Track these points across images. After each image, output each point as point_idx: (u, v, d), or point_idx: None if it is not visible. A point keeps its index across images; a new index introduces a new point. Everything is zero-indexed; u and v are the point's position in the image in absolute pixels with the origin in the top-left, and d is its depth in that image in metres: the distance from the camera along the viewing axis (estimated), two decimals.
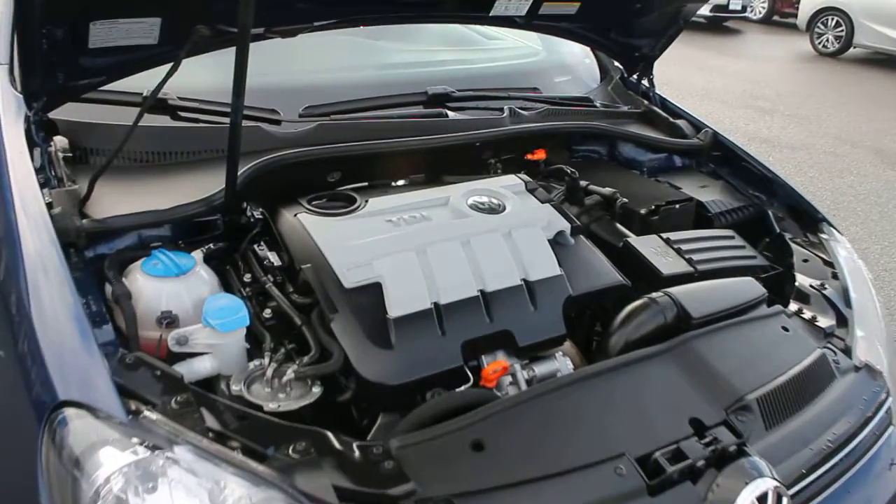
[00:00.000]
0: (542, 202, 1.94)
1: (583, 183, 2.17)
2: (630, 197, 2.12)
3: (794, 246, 2.12)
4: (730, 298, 1.73)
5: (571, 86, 2.73)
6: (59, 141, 1.81)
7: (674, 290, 1.70)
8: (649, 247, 1.92)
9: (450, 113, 2.25)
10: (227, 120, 1.96)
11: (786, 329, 1.72)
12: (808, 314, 1.85)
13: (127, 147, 1.88)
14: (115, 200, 1.75)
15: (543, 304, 1.64)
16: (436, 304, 1.56)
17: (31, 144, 1.75)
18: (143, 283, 1.55)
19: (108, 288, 1.53)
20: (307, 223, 1.73)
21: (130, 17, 1.62)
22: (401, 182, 2.09)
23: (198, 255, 1.66)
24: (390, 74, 2.40)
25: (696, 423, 1.42)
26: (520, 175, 2.05)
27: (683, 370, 1.52)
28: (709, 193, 2.30)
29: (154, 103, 1.94)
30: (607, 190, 2.11)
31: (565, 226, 1.85)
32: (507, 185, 1.98)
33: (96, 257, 1.62)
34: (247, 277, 1.68)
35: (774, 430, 1.47)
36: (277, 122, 2.06)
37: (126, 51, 1.72)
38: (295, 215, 1.76)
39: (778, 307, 1.79)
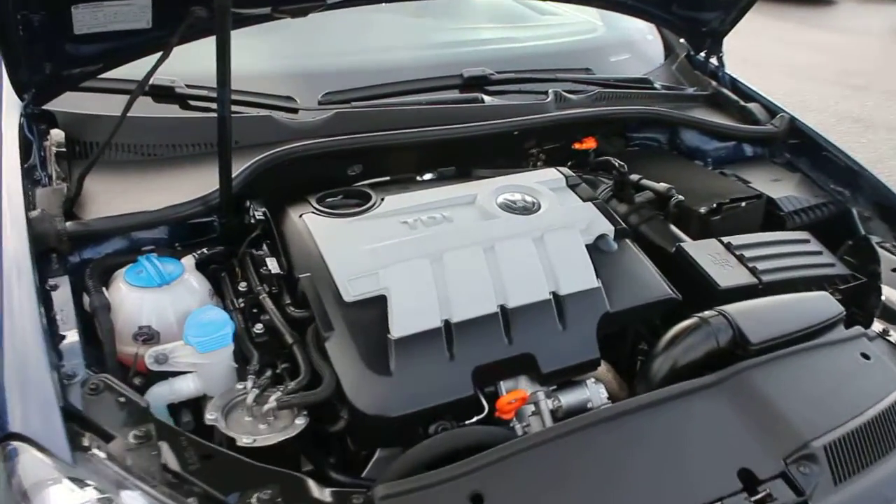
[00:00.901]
0: (585, 200, 1.70)
1: (634, 177, 1.91)
2: (689, 193, 1.86)
3: (881, 251, 1.81)
4: (798, 318, 1.46)
5: (630, 66, 2.45)
6: (55, 135, 1.70)
7: (731, 307, 1.44)
8: (706, 253, 1.66)
9: (487, 98, 2.02)
10: (243, 109, 1.85)
11: (866, 356, 1.44)
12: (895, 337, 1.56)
13: (133, 140, 1.77)
14: (109, 199, 1.63)
15: (574, 323, 1.42)
16: (447, 322, 1.36)
17: (26, 139, 1.64)
18: (125, 294, 1.41)
19: (87, 299, 1.40)
20: (312, 225, 1.55)
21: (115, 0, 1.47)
22: (428, 176, 1.89)
23: (188, 261, 1.51)
24: (425, 56, 2.19)
25: (746, 476, 1.18)
26: (560, 168, 1.82)
27: (736, 408, 1.28)
28: (782, 188, 2.00)
29: (161, 92, 1.83)
30: (661, 185, 1.85)
31: (608, 228, 1.61)
32: (545, 181, 1.75)
33: (82, 263, 1.50)
34: (242, 286, 1.52)
35: (845, 485, 1.21)
36: (293, 111, 1.89)
37: (118, 36, 1.59)
38: (300, 216, 1.59)
39: (858, 329, 1.50)
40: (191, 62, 1.80)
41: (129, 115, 1.76)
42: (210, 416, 1.24)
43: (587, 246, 1.57)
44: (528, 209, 1.64)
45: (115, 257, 1.50)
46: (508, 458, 1.15)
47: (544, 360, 1.36)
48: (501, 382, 1.38)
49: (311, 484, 1.11)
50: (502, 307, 1.41)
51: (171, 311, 1.40)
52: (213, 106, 1.83)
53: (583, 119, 2.03)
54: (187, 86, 1.84)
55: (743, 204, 1.87)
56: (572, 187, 1.76)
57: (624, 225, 1.65)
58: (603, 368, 1.47)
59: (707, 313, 1.43)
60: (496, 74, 2.09)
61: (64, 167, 1.64)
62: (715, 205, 1.84)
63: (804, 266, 1.68)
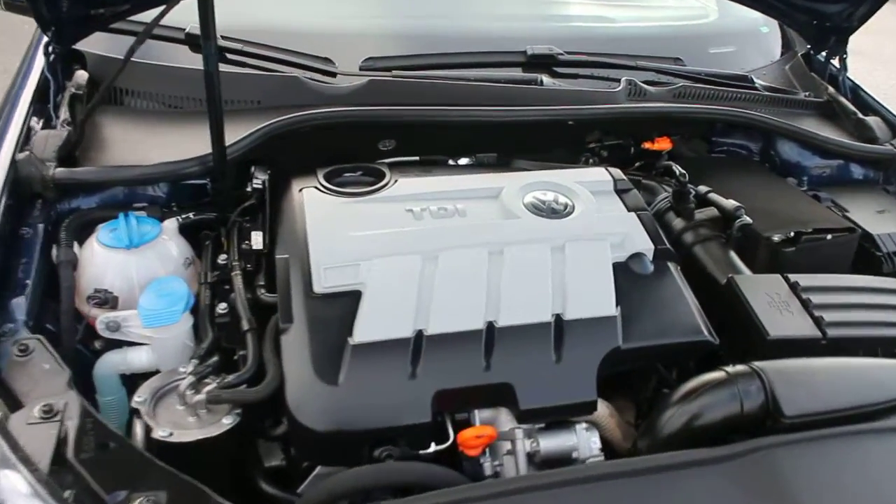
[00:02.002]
0: (630, 209, 1.46)
1: (702, 188, 1.64)
2: (765, 215, 1.56)
3: None
4: (858, 390, 1.16)
5: (734, 60, 2.12)
6: (77, 77, 1.64)
7: (770, 365, 1.16)
8: (763, 291, 1.37)
9: (547, 80, 1.79)
10: (274, 67, 1.73)
11: None
12: None
13: (159, 89, 1.69)
14: (120, 148, 1.55)
15: (572, 355, 1.19)
16: (419, 332, 1.18)
17: (47, 78, 1.59)
18: (94, 252, 1.33)
19: (55, 251, 1.32)
20: (308, 201, 1.41)
21: None
22: (464, 161, 1.69)
23: (170, 224, 1.40)
24: (488, 27, 1.98)
25: None
26: (611, 169, 1.57)
27: (748, 495, 1.02)
28: (888, 223, 1.66)
29: (195, 41, 1.73)
30: (730, 202, 1.56)
31: (647, 246, 1.36)
32: (589, 181, 1.52)
33: (70, 212, 1.43)
34: (221, 258, 1.40)
35: None
36: (331, 74, 1.74)
37: None
38: (300, 190, 1.45)
39: None
40: (237, 14, 1.71)
41: (157, 63, 1.69)
42: (137, 399, 1.13)
43: (617, 264, 1.34)
44: (557, 212, 1.42)
45: (101, 211, 1.42)
46: None
47: (525, 395, 1.15)
48: (477, 412, 1.19)
49: (210, 496, 0.97)
50: (490, 324, 1.20)
51: (136, 276, 1.31)
52: (248, 60, 1.75)
53: (654, 115, 1.76)
54: (223, 37, 1.73)
55: (828, 237, 1.55)
56: (620, 192, 1.51)
57: (667, 245, 1.39)
58: (605, 411, 1.24)
59: (737, 368, 1.16)
60: (565, 55, 1.84)
61: (80, 110, 1.58)
62: (792, 233, 1.53)
63: (891, 324, 1.36)
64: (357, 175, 1.52)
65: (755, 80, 2.00)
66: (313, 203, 1.41)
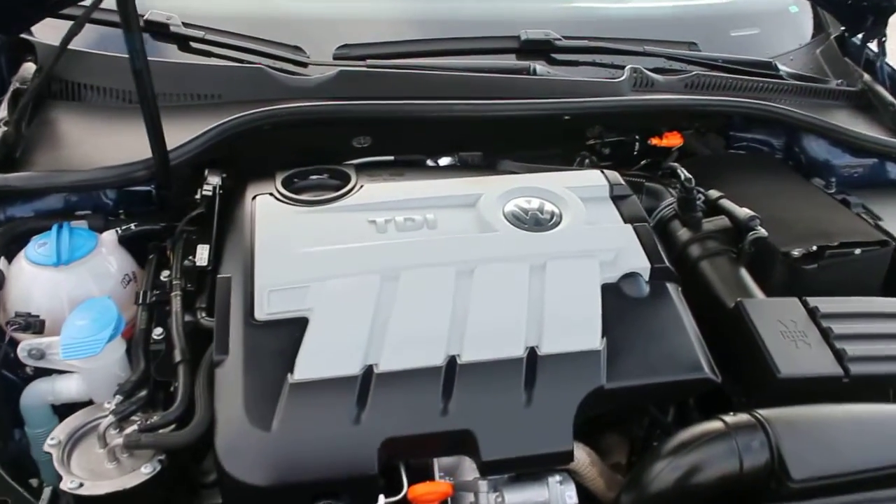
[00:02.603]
0: (627, 219, 1.28)
1: (713, 194, 1.45)
2: (784, 226, 1.38)
3: None
4: (883, 448, 0.99)
5: (758, 43, 1.91)
6: (25, 69, 1.50)
7: (776, 414, 0.99)
8: (777, 318, 1.19)
9: (542, 69, 1.62)
10: (240, 56, 1.59)
11: None
12: None
13: (118, 84, 1.55)
14: (69, 150, 1.42)
15: (545, 397, 1.03)
16: (369, 369, 1.03)
17: None
18: (21, 269, 1.20)
19: None
20: (259, 211, 1.26)
21: None
22: (445, 160, 1.53)
23: (109, 236, 1.27)
24: (481, 9, 1.80)
25: None
26: (609, 172, 1.40)
27: None
28: None
29: (154, 29, 1.59)
30: (743, 211, 1.37)
31: (641, 266, 1.19)
32: (581, 186, 1.35)
33: (2, 223, 1.30)
34: (164, 275, 1.26)
35: None
36: (302, 65, 1.59)
37: None
38: (253, 197, 1.30)
39: None
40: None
41: (116, 55, 1.55)
42: (50, 442, 1.00)
43: (608, 285, 1.17)
44: (541, 223, 1.26)
45: (35, 221, 1.29)
46: None
47: (488, 444, 0.99)
48: (436, 459, 1.04)
49: None
50: (452, 360, 1.05)
51: (66, 296, 1.17)
52: (214, 50, 1.61)
53: (661, 108, 1.58)
54: (184, 24, 1.59)
55: (857, 251, 1.36)
56: (617, 199, 1.34)
57: (667, 263, 1.21)
58: (585, 459, 1.08)
59: (737, 418, 0.99)
60: (563, 40, 1.66)
61: (22, 107, 1.44)
62: (815, 248, 1.34)
63: None
64: (321, 178, 1.37)
65: (780, 66, 1.80)
66: (265, 213, 1.26)
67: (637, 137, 1.63)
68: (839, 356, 1.13)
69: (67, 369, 1.12)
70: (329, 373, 1.02)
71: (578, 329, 1.10)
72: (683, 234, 1.39)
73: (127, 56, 1.44)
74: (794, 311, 1.21)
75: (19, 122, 1.38)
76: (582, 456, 1.07)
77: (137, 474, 0.96)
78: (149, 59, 1.44)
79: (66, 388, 1.13)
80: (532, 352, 1.06)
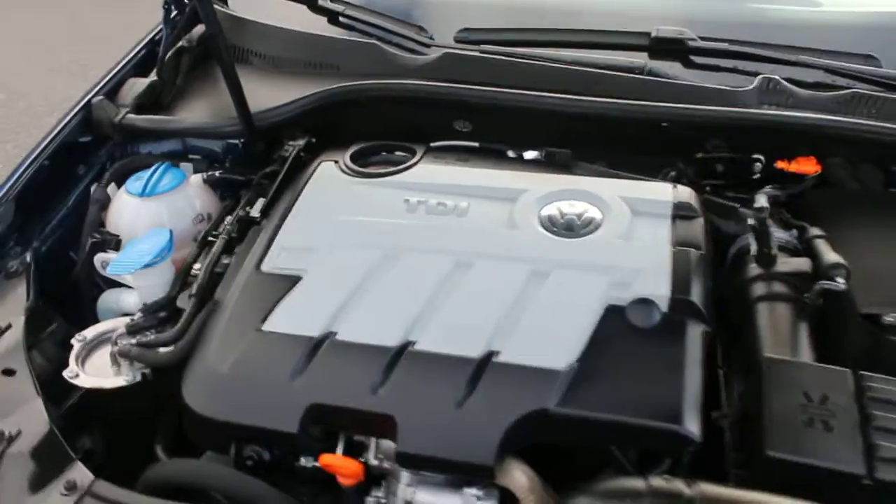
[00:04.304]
0: (677, 242, 1.15)
1: (812, 231, 1.23)
2: (887, 284, 1.13)
3: None
4: None
5: None
6: (195, 31, 1.74)
7: (712, 490, 0.84)
8: (804, 388, 0.98)
9: (662, 70, 1.48)
10: (360, 32, 1.68)
11: None
12: None
13: (263, 49, 1.74)
14: (208, 103, 1.63)
15: (479, 404, 0.98)
16: (327, 335, 1.06)
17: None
18: (119, 195, 1.42)
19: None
20: (317, 175, 1.35)
21: None
22: (530, 154, 1.48)
23: (195, 178, 1.45)
24: (618, 2, 1.68)
25: None
26: (683, 188, 1.26)
27: None
28: None
29: (311, 3, 1.74)
30: (831, 256, 1.15)
31: (660, 293, 1.07)
32: (640, 198, 1.24)
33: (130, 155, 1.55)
34: (228, 219, 1.40)
35: None
36: (423, 44, 1.63)
37: None
38: (321, 162, 1.39)
39: None
40: None
41: (266, 22, 1.74)
42: (77, 337, 1.19)
43: (612, 307, 1.07)
44: (573, 228, 1.19)
45: (149, 158, 1.51)
46: None
47: (407, 435, 0.97)
48: (375, 440, 1.05)
49: None
50: (405, 344, 1.04)
51: (143, 222, 1.37)
52: (358, 26, 1.72)
53: (781, 125, 1.35)
54: (332, 0, 1.72)
55: None
56: (678, 217, 1.20)
57: (693, 297, 1.07)
58: (525, 484, 0.98)
59: (662, 486, 0.86)
60: (699, 41, 1.50)
61: (184, 62, 1.69)
62: None
63: None
64: (388, 155, 1.41)
65: None
66: (320, 178, 1.35)
67: (760, 158, 1.42)
68: (870, 451, 0.91)
69: (127, 284, 1.31)
70: (292, 330, 1.07)
71: (549, 345, 1.02)
72: (753, 269, 1.20)
73: (272, 25, 1.63)
74: (837, 384, 0.99)
75: (173, 75, 1.62)
76: (522, 480, 0.99)
77: (117, 379, 1.11)
78: (294, 28, 1.61)
79: (126, 300, 1.32)
80: (488, 356, 1.02)
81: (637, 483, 0.88)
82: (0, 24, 5.40)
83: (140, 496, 0.93)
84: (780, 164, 1.41)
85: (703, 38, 1.49)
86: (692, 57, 1.52)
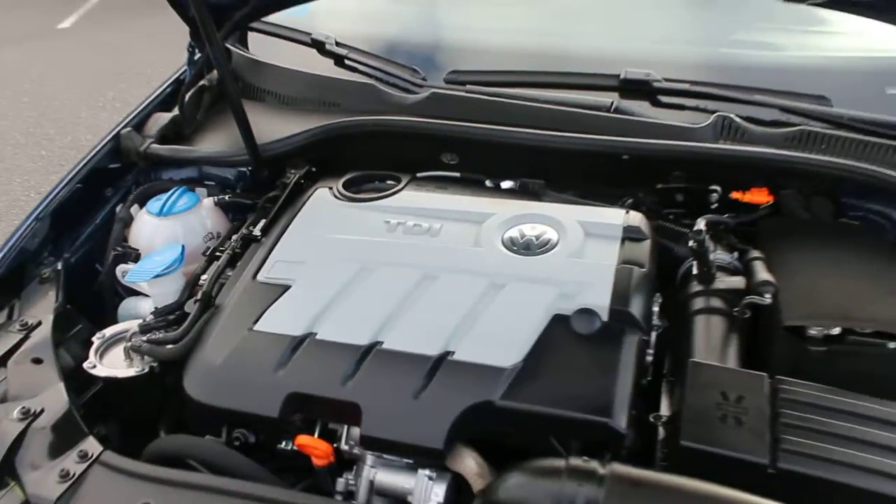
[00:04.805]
0: (623, 260, 1.29)
1: (752, 254, 1.36)
2: (812, 300, 1.25)
3: None
4: None
5: None
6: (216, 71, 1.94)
7: (626, 471, 0.97)
8: (722, 388, 1.10)
9: (627, 107, 1.63)
10: (360, 72, 1.86)
11: None
12: None
13: (276, 88, 1.93)
14: (223, 135, 1.82)
15: (433, 395, 1.12)
16: (308, 335, 1.22)
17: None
18: (141, 214, 1.61)
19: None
20: (313, 199, 1.53)
21: None
22: (507, 184, 1.63)
23: (207, 201, 1.63)
24: (593, 47, 1.84)
25: None
26: (633, 214, 1.40)
27: None
28: None
29: (317, 46, 1.93)
30: (762, 275, 1.28)
31: (601, 304, 1.21)
32: (594, 222, 1.38)
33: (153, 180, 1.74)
34: (234, 237, 1.57)
35: None
36: (416, 84, 1.81)
37: None
38: (316, 188, 1.57)
39: None
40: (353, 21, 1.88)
41: (277, 64, 1.93)
42: (97, 336, 1.36)
43: (558, 316, 1.21)
44: (530, 248, 1.34)
45: (167, 183, 1.70)
46: (203, 491, 1.03)
47: (370, 421, 1.12)
48: (346, 428, 1.19)
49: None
50: (374, 344, 1.19)
51: (160, 239, 1.55)
52: (360, 68, 1.91)
53: (738, 159, 1.49)
54: (337, 44, 1.91)
55: (892, 344, 1.18)
56: (627, 240, 1.34)
57: (630, 309, 1.20)
58: (474, 469, 1.12)
59: (580, 465, 0.99)
60: (662, 82, 1.64)
61: (205, 99, 1.89)
62: (839, 330, 1.20)
63: (876, 473, 1.00)
64: (380, 183, 1.58)
65: None
66: (315, 202, 1.52)
67: (717, 189, 1.55)
68: (775, 444, 1.03)
69: (143, 292, 1.49)
70: (278, 330, 1.23)
71: (498, 346, 1.16)
72: (693, 286, 1.33)
73: (284, 67, 1.82)
74: (754, 386, 1.11)
75: (194, 110, 1.82)
76: (471, 465, 1.13)
77: (129, 371, 1.28)
78: (302, 70, 1.80)
79: (143, 306, 1.50)
80: (444, 354, 1.16)
81: (558, 462, 1.01)
82: (51, 63, 5.79)
83: (138, 463, 1.09)
84: (735, 195, 1.54)
85: (668, 80, 1.64)
86: (659, 96, 1.66)
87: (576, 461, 1.00)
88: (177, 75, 1.95)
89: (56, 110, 4.95)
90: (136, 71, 5.27)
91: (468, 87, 1.74)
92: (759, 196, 1.53)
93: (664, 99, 1.66)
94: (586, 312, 1.21)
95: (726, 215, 1.54)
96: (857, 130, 1.54)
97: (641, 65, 1.71)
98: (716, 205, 1.55)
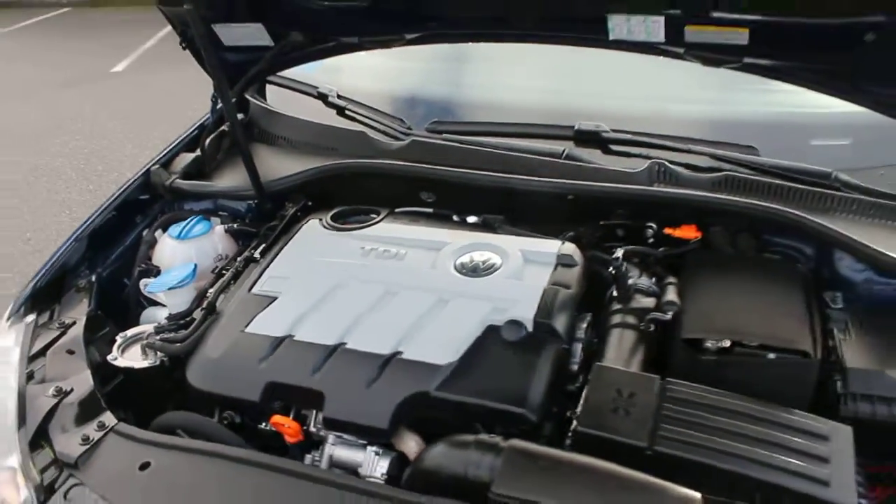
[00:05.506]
0: (553, 282, 1.54)
1: (669, 280, 1.60)
2: (711, 317, 1.47)
3: None
4: (585, 495, 1.13)
5: (846, 154, 1.89)
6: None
7: (521, 445, 1.22)
8: (618, 386, 1.34)
9: (577, 154, 1.89)
10: (353, 121, 2.14)
11: None
12: None
13: (286, 133, 2.23)
14: (238, 174, 2.13)
15: (381, 386, 1.38)
16: (286, 336, 1.49)
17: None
18: (162, 238, 1.91)
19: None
20: (304, 229, 1.81)
21: (233, 22, 1.90)
22: (472, 219, 1.88)
23: (219, 228, 1.93)
24: (554, 101, 2.11)
25: None
26: (568, 244, 1.65)
27: None
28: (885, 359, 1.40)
29: (322, 98, 2.23)
30: (669, 296, 1.51)
31: (526, 317, 1.45)
32: (534, 250, 1.64)
33: (178, 209, 2.05)
34: (239, 258, 1.86)
35: None
36: (401, 132, 2.09)
37: (255, 50, 2.03)
38: (308, 220, 1.85)
39: None
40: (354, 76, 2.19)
41: (286, 113, 2.24)
42: (120, 336, 1.65)
43: (492, 326, 1.46)
44: (476, 271, 1.60)
45: (187, 213, 2.00)
46: (192, 453, 1.30)
47: (330, 405, 1.38)
48: (314, 412, 1.45)
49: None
50: (339, 344, 1.45)
51: (178, 258, 1.85)
52: (357, 118, 2.20)
53: (669, 200, 1.72)
54: (338, 96, 2.21)
55: (771, 356, 1.39)
56: (560, 265, 1.59)
57: (552, 322, 1.44)
58: (415, 449, 1.36)
59: (485, 439, 1.24)
60: (610, 133, 1.90)
61: (225, 142, 2.20)
62: (729, 342, 1.42)
63: (763, 464, 1.21)
64: (364, 216, 1.86)
65: (845, 178, 1.77)
66: (306, 230, 1.80)
67: (652, 225, 1.78)
68: (653, 431, 1.26)
69: (161, 302, 1.78)
70: (264, 332, 1.51)
71: (438, 348, 1.42)
72: (613, 305, 1.57)
73: (292, 116, 2.12)
74: (645, 386, 1.34)
75: (214, 151, 2.13)
76: (412, 445, 1.37)
77: (144, 363, 1.56)
78: (306, 119, 2.10)
79: (161, 314, 1.78)
80: (394, 354, 1.42)
81: (470, 437, 1.25)
82: (103, 104, 6.27)
83: (145, 431, 1.36)
84: (667, 231, 1.77)
85: (615, 130, 1.89)
86: (609, 145, 1.91)
87: (483, 437, 1.24)
88: (202, 121, 2.26)
89: (104, 148, 5.40)
90: (180, 113, 5.68)
91: (445, 135, 2.02)
92: (689, 232, 1.75)
93: (613, 147, 1.92)
94: (514, 323, 1.45)
95: (661, 248, 1.77)
96: (778, 176, 1.77)
97: (596, 117, 1.97)
98: (651, 239, 1.78)
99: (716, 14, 1.51)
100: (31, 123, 6.11)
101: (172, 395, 1.58)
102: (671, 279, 1.60)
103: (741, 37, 1.56)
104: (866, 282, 1.62)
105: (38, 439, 1.37)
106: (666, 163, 1.80)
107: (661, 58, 1.68)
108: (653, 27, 1.61)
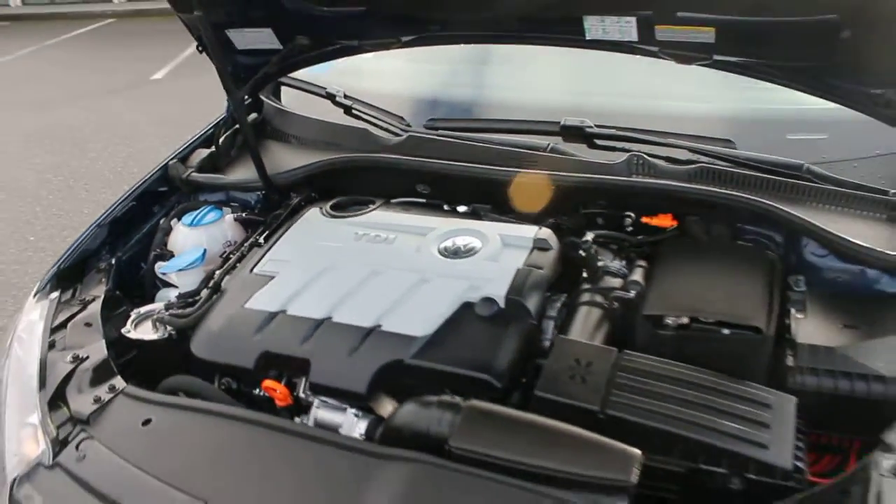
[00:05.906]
0: (527, 264, 1.65)
1: (638, 263, 1.70)
2: (673, 296, 1.57)
3: None
4: (533, 450, 1.25)
5: (820, 148, 1.96)
6: (250, 118, 2.41)
7: (481, 405, 1.34)
8: (576, 356, 1.45)
9: (562, 148, 2.00)
10: (359, 118, 2.28)
11: None
12: None
13: (295, 132, 2.38)
14: (247, 167, 2.28)
15: (361, 354, 1.51)
16: (280, 311, 1.63)
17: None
18: (177, 225, 2.07)
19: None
20: (305, 216, 1.95)
21: (244, 28, 2.06)
22: (461, 208, 2.01)
23: (229, 217, 2.08)
24: (545, 99, 2.23)
25: None
26: (544, 230, 1.76)
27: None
28: (842, 337, 1.48)
29: (329, 98, 2.38)
30: (635, 277, 1.61)
31: (499, 294, 1.57)
32: (512, 235, 1.75)
33: (193, 200, 2.21)
34: (246, 243, 2.01)
35: None
36: (401, 129, 2.22)
37: (266, 53, 2.19)
38: (309, 209, 1.99)
39: None
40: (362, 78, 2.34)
41: (297, 112, 2.39)
42: (134, 312, 1.81)
43: (467, 302, 1.58)
44: (458, 254, 1.72)
45: (200, 203, 2.16)
46: (189, 411, 1.45)
47: (316, 371, 1.51)
48: (304, 380, 1.58)
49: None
50: (327, 318, 1.59)
51: (190, 244, 2.01)
52: (361, 116, 2.34)
53: (646, 190, 1.82)
54: (345, 96, 2.36)
55: (725, 331, 1.49)
56: (536, 249, 1.71)
57: (524, 300, 1.56)
58: (391, 412, 1.49)
59: (448, 399, 1.36)
60: (594, 128, 2.01)
61: (238, 139, 2.36)
62: (686, 319, 1.52)
63: (706, 427, 1.31)
64: (362, 206, 1.99)
65: (816, 170, 1.85)
66: (307, 217, 1.95)
67: (630, 214, 1.88)
68: (606, 397, 1.37)
69: (173, 283, 1.94)
70: (260, 307, 1.65)
71: (416, 322, 1.54)
72: (583, 285, 1.67)
73: (301, 115, 2.27)
74: (602, 357, 1.45)
75: (228, 148, 2.29)
76: (389, 409, 1.49)
77: (154, 335, 1.71)
78: (314, 117, 2.25)
79: (173, 294, 1.94)
80: (375, 326, 1.55)
81: (433, 398, 1.37)
82: (143, 109, 6.55)
83: (150, 392, 1.51)
84: (645, 219, 1.87)
85: (599, 125, 2.00)
86: (593, 139, 2.02)
87: (446, 397, 1.36)
88: (217, 120, 2.43)
89: (141, 151, 5.65)
90: (215, 117, 5.93)
91: (440, 131, 2.15)
92: (665, 221, 1.85)
93: (598, 141, 2.02)
94: (488, 300, 1.57)
95: (640, 236, 1.87)
96: (752, 168, 1.85)
97: (582, 114, 2.07)
98: (630, 227, 1.88)
99: (681, 14, 1.61)
100: (76, 128, 6.42)
101: (179, 366, 1.73)
102: (640, 263, 1.70)
103: (708, 35, 1.66)
104: (828, 267, 1.69)
105: (56, 400, 1.53)
106: (644, 155, 1.89)
107: (640, 57, 1.79)
108: (626, 27, 1.72)
